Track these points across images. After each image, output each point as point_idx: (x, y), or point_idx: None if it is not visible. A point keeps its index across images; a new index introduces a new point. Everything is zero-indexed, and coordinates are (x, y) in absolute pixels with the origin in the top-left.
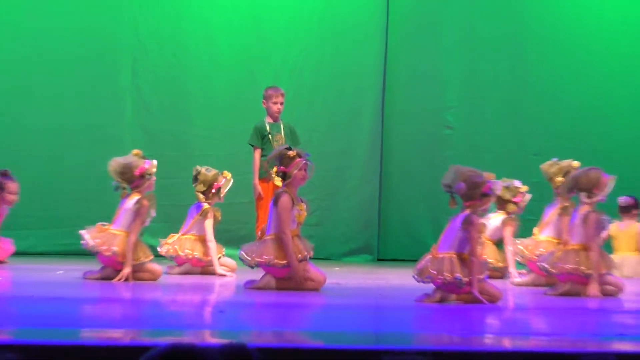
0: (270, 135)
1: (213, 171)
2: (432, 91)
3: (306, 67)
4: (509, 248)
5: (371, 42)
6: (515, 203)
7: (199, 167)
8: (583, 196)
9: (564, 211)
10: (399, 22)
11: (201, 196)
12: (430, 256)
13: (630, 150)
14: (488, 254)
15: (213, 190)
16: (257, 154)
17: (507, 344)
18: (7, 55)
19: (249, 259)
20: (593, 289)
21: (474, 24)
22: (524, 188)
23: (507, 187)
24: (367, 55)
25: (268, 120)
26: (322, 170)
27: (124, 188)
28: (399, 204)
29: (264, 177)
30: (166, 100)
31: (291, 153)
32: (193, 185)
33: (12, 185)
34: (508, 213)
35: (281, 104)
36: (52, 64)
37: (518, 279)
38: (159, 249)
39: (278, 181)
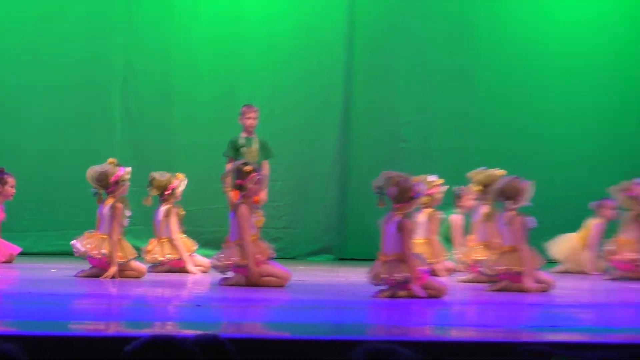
0: (244, 148)
1: (167, 175)
2: (389, 109)
3: (278, 87)
4: (436, 239)
5: (335, 64)
6: (429, 195)
7: (153, 173)
8: (509, 203)
9: (487, 218)
10: (360, 48)
11: (150, 200)
12: (380, 261)
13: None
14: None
15: (168, 192)
16: (230, 165)
17: (446, 334)
18: (4, 75)
19: (220, 264)
20: (528, 283)
21: (426, 48)
22: (439, 181)
23: (421, 183)
24: (332, 77)
25: (243, 134)
26: (291, 179)
27: (100, 193)
28: (358, 210)
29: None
30: (152, 117)
31: (247, 168)
32: (147, 189)
33: (11, 180)
34: (429, 207)
35: (254, 119)
36: (49, 83)
37: (463, 277)
38: (144, 258)
39: (233, 193)
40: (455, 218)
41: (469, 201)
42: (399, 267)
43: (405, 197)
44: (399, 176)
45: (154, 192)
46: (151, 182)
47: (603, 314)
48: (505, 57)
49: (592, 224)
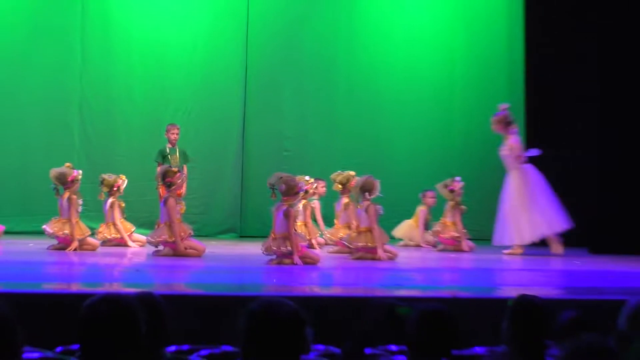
0: (168, 156)
1: (113, 176)
2: (275, 127)
3: (193, 110)
4: (310, 222)
5: (235, 95)
6: (306, 191)
7: (103, 175)
8: (366, 195)
9: (346, 206)
10: (253, 83)
11: (103, 195)
12: (271, 237)
13: (405, 160)
14: (301, 230)
15: (115, 189)
16: (159, 168)
17: (321, 291)
18: None
19: (153, 240)
20: (380, 254)
21: (301, 83)
22: (311, 180)
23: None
24: (233, 103)
25: (168, 145)
26: (204, 178)
27: (57, 189)
28: (254, 199)
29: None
30: (100, 132)
31: (174, 171)
32: (99, 187)
33: None
34: (304, 199)
35: (176, 134)
36: (23, 107)
37: (331, 249)
38: (97, 236)
39: (162, 188)
40: (315, 204)
41: (321, 189)
42: (285, 243)
43: (291, 192)
44: (287, 176)
45: (105, 189)
46: (102, 182)
47: (432, 276)
48: (359, 84)
49: (419, 210)
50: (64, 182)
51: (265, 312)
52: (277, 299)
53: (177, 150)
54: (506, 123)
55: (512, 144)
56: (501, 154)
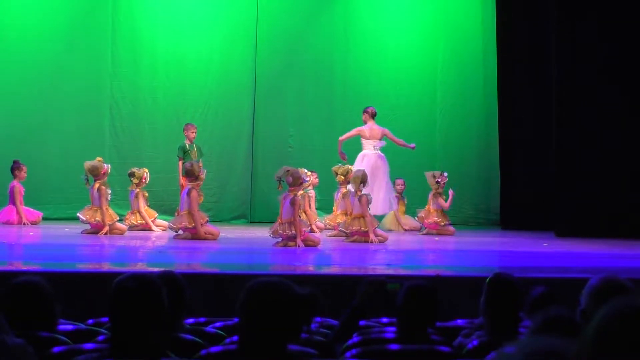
0: (189, 152)
1: (141, 170)
2: (280, 126)
3: (209, 111)
4: (309, 210)
5: (246, 98)
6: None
7: (133, 169)
8: (361, 186)
9: (345, 195)
10: (261, 87)
11: (134, 186)
12: (278, 222)
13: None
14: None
15: (142, 181)
16: (180, 162)
17: (321, 270)
18: (31, 101)
19: (174, 226)
20: (371, 237)
21: (302, 87)
22: (313, 174)
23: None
24: (242, 102)
25: (187, 142)
26: (218, 171)
27: (88, 179)
28: (262, 189)
29: (184, 175)
30: (128, 131)
31: (200, 165)
32: (130, 179)
33: (24, 167)
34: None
35: (194, 132)
36: (61, 107)
37: (330, 233)
38: (124, 222)
39: (183, 179)
40: (312, 194)
41: (315, 180)
42: (290, 227)
43: (296, 182)
44: (293, 169)
45: (135, 181)
46: (133, 174)
47: (418, 256)
48: (353, 89)
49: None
50: (96, 174)
51: (261, 290)
52: (274, 278)
53: (195, 146)
54: (372, 115)
55: (361, 130)
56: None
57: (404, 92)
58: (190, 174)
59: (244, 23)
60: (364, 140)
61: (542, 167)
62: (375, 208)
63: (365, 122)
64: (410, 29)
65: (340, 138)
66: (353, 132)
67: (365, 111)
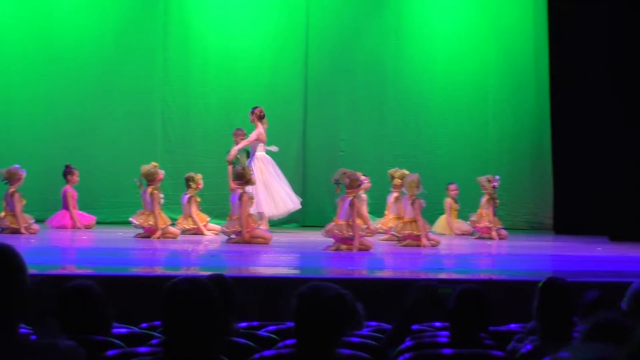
0: (238, 156)
1: (198, 175)
2: (332, 130)
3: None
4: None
5: (297, 102)
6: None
7: (190, 173)
8: (416, 190)
9: (397, 199)
10: (313, 91)
11: (192, 191)
12: (334, 223)
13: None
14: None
15: (197, 186)
16: (230, 167)
17: (374, 274)
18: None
19: (227, 230)
20: (423, 241)
21: (355, 89)
22: (366, 179)
23: None
24: (293, 106)
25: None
26: None
27: (141, 183)
28: (313, 193)
29: (234, 179)
30: (180, 136)
31: (250, 170)
32: (190, 183)
33: (76, 172)
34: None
35: (243, 137)
36: (115, 114)
37: (382, 237)
38: (177, 226)
39: (232, 184)
40: (364, 197)
41: (367, 185)
42: (347, 229)
43: (354, 184)
44: (350, 171)
45: (193, 185)
46: (191, 179)
47: (470, 260)
48: (404, 92)
49: (445, 201)
50: (151, 179)
51: (312, 295)
52: (324, 283)
53: (245, 150)
54: (259, 117)
55: (260, 134)
56: (251, 140)
57: (456, 96)
58: (241, 178)
59: (294, 27)
60: (258, 144)
61: (595, 171)
62: (282, 207)
63: (256, 124)
64: (461, 32)
65: (240, 146)
66: (254, 136)
67: (253, 112)
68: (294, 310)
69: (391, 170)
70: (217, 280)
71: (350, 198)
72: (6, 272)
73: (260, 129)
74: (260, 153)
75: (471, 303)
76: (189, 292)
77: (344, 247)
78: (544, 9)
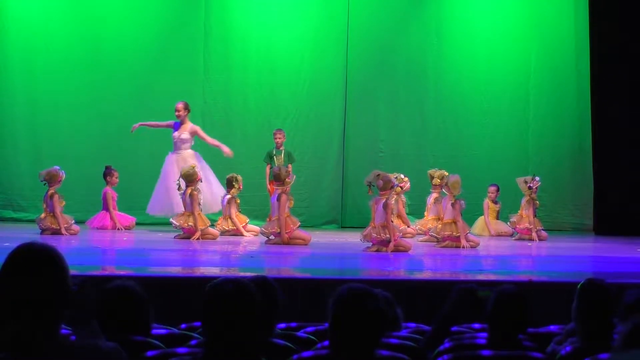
0: (274, 157)
1: (239, 176)
2: (372, 130)
3: (300, 115)
4: (403, 214)
5: (336, 102)
6: (401, 187)
7: (233, 174)
8: (455, 191)
9: (437, 200)
10: (352, 91)
11: (233, 191)
12: (371, 226)
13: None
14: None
15: (239, 187)
16: (268, 167)
17: (413, 275)
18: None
19: (266, 231)
20: (463, 243)
21: (395, 89)
22: (406, 179)
23: (395, 178)
24: (333, 106)
25: (275, 147)
26: (309, 176)
27: (179, 184)
28: (353, 194)
29: (272, 180)
30: (221, 136)
31: (289, 170)
32: (233, 184)
33: (116, 173)
34: (397, 194)
35: (281, 137)
36: (149, 111)
37: (421, 238)
38: (216, 227)
39: (270, 185)
40: (403, 198)
41: (407, 185)
42: (384, 231)
43: (387, 186)
44: (383, 173)
45: (237, 186)
46: (234, 179)
47: (510, 262)
48: (445, 92)
49: (484, 202)
50: (190, 180)
51: (349, 297)
52: (362, 286)
53: (283, 151)
54: (188, 110)
55: (193, 129)
56: (178, 136)
57: (496, 96)
58: (277, 179)
59: (334, 27)
60: (192, 140)
61: (636, 172)
62: (213, 205)
63: (186, 121)
64: (502, 32)
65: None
66: (201, 132)
67: (187, 107)
68: (330, 315)
69: (431, 171)
70: (260, 281)
71: (384, 200)
72: (49, 272)
73: (192, 126)
74: (192, 151)
75: (510, 304)
76: (230, 293)
77: (383, 248)
78: (585, 8)
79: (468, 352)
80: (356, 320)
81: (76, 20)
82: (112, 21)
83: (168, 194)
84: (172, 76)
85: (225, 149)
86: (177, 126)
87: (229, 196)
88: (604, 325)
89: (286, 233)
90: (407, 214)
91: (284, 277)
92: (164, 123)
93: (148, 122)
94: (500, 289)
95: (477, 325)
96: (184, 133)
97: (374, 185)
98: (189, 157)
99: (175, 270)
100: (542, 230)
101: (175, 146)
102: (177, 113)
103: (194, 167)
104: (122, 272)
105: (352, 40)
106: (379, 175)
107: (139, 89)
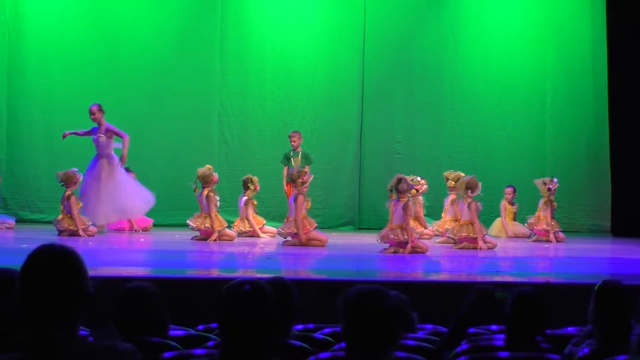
0: (292, 158)
1: (255, 177)
2: (388, 132)
3: (316, 117)
4: (421, 215)
5: (353, 104)
6: (416, 190)
7: (249, 175)
8: (468, 192)
9: (454, 202)
10: (369, 93)
11: (249, 192)
12: (388, 228)
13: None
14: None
15: (255, 188)
16: (285, 169)
17: (430, 277)
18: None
19: (283, 232)
20: (480, 244)
21: (411, 91)
22: (423, 181)
23: (411, 180)
24: (350, 108)
25: (292, 149)
26: (326, 177)
27: (196, 185)
28: (370, 196)
29: (289, 182)
30: (237, 138)
31: (305, 170)
32: (248, 185)
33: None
34: (412, 196)
35: (297, 139)
36: (167, 114)
37: (438, 240)
38: (233, 228)
39: (288, 186)
40: (421, 200)
41: (424, 187)
42: (401, 233)
43: (407, 190)
44: (404, 177)
45: (252, 187)
46: (249, 181)
47: (527, 263)
48: (461, 94)
49: (501, 204)
50: (206, 181)
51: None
52: (373, 287)
53: (300, 153)
54: (103, 112)
55: (109, 129)
56: (97, 139)
57: (513, 97)
58: (291, 180)
59: (351, 29)
60: (113, 140)
61: None
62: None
63: (103, 121)
64: (518, 33)
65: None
66: (114, 128)
67: (100, 109)
68: (341, 318)
69: (446, 172)
70: (277, 283)
71: (403, 202)
72: (68, 273)
73: (110, 126)
74: (114, 155)
75: (528, 306)
76: (247, 294)
77: (401, 250)
78: (602, 9)
79: (485, 354)
80: (366, 320)
81: (92, 23)
82: (128, 24)
83: (100, 199)
84: (189, 78)
85: (124, 151)
86: (95, 130)
87: (245, 198)
88: (621, 327)
89: (303, 234)
90: (425, 215)
91: (300, 279)
92: (85, 131)
93: (76, 131)
94: (519, 290)
95: (494, 327)
96: (101, 135)
97: (396, 190)
98: (112, 161)
99: (192, 272)
100: (560, 231)
101: (98, 149)
102: (92, 116)
103: (210, 169)
104: (139, 274)
105: (368, 41)
106: (401, 179)
107: (156, 91)
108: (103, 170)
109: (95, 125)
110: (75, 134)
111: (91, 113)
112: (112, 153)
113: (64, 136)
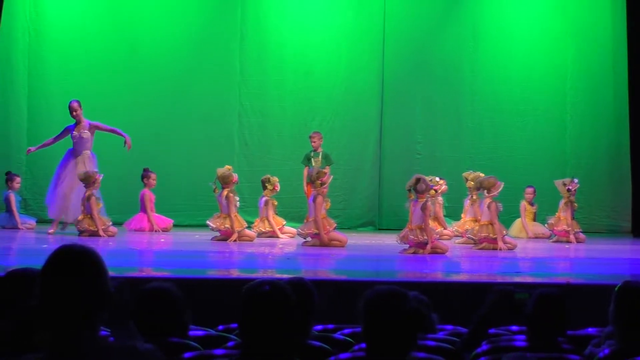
0: (312, 159)
1: (274, 177)
2: (408, 132)
3: (336, 118)
4: (440, 216)
5: (373, 104)
6: (435, 190)
7: (267, 175)
8: (487, 192)
9: (474, 202)
10: (389, 94)
11: (268, 192)
12: (408, 228)
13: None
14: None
15: (275, 189)
16: (305, 170)
17: (450, 277)
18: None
19: (303, 232)
20: (500, 245)
21: (431, 91)
22: (442, 181)
23: (430, 180)
24: (370, 109)
25: (313, 150)
26: (346, 177)
27: (215, 186)
28: (390, 196)
29: (309, 182)
30: (257, 139)
31: (325, 171)
32: (266, 185)
33: (153, 175)
34: (432, 197)
35: (319, 140)
36: (187, 114)
37: (458, 240)
38: (253, 229)
39: (308, 187)
40: (440, 200)
41: (444, 187)
42: (421, 233)
43: (426, 190)
44: (423, 177)
45: (270, 187)
46: (267, 181)
47: (547, 264)
48: (481, 95)
49: (521, 204)
50: (226, 182)
51: (379, 300)
52: (393, 287)
53: (320, 153)
54: (81, 108)
55: (93, 125)
56: (79, 135)
57: (533, 98)
58: (317, 178)
59: (371, 29)
60: (92, 137)
61: None
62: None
63: (82, 118)
64: (538, 33)
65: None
66: (100, 123)
67: (80, 105)
68: (362, 319)
69: (465, 173)
70: (298, 284)
71: (422, 202)
72: (89, 274)
73: (90, 123)
74: (91, 153)
75: (549, 307)
76: (267, 294)
77: (420, 250)
78: (623, 8)
79: (506, 355)
80: (386, 321)
81: (112, 24)
82: (148, 26)
83: (69, 197)
84: (209, 79)
85: (126, 138)
86: (72, 127)
87: (265, 198)
88: None
89: (324, 234)
90: (445, 216)
91: (320, 279)
92: (60, 135)
93: (43, 143)
94: (540, 291)
95: (514, 328)
96: (84, 132)
97: (415, 190)
98: (87, 160)
99: (212, 272)
100: (580, 232)
101: (77, 146)
102: (74, 113)
103: (229, 169)
104: (159, 274)
105: (388, 42)
106: (419, 179)
107: (176, 92)
108: (77, 168)
109: (70, 124)
110: (43, 146)
111: (73, 110)
112: (91, 151)
113: (28, 152)
